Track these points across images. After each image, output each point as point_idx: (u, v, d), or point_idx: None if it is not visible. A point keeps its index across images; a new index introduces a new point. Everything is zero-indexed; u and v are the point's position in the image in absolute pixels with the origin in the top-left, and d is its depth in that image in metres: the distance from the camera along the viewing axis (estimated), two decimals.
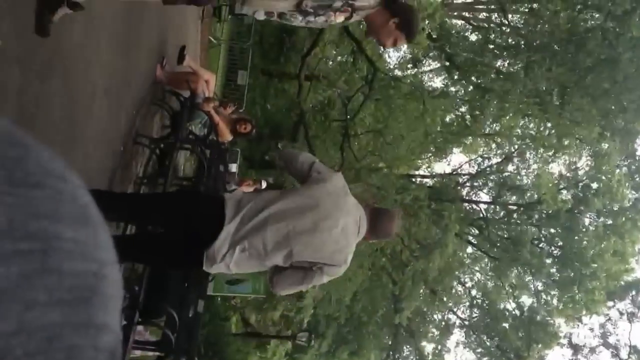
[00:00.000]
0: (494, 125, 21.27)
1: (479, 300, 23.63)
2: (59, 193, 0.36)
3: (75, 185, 0.39)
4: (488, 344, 23.27)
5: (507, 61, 17.63)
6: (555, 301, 21.18)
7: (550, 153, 20.42)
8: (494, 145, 22.92)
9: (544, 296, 21.66)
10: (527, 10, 16.77)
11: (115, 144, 5.59)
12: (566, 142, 18.64)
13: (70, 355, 0.34)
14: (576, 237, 19.53)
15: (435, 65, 20.37)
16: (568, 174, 21.15)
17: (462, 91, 18.85)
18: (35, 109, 3.13)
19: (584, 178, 20.55)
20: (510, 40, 17.40)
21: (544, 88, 15.31)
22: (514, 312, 22.35)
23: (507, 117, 19.55)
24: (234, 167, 16.45)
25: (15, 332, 0.30)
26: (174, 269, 4.52)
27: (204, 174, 7.58)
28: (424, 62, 20.53)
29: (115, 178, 5.74)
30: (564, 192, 19.78)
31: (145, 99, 7.22)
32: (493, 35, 18.57)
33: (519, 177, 22.04)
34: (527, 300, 22.42)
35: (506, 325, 22.15)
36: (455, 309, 24.64)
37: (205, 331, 14.01)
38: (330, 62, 20.16)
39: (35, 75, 3.06)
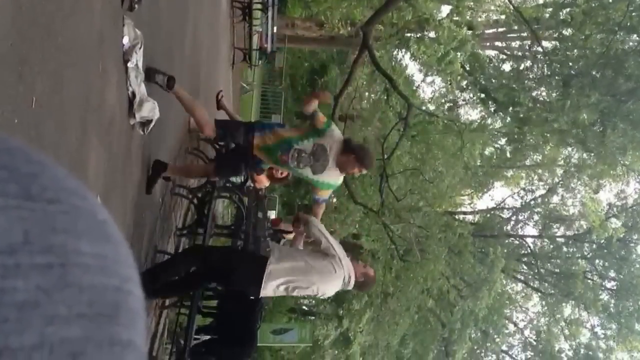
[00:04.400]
0: (536, 156, 20.74)
1: (533, 340, 22.65)
2: (76, 209, 0.35)
3: (92, 203, 0.37)
4: None
5: (544, 90, 17.19)
6: (614, 335, 20.22)
7: (595, 182, 19.79)
8: (536, 177, 22.34)
9: (601, 331, 20.69)
10: (559, 36, 16.32)
11: (154, 196, 5.40)
12: (611, 170, 18.00)
13: None
14: (631, 267, 18.73)
15: (470, 97, 19.99)
16: (617, 202, 20.43)
17: (500, 123, 18.42)
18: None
19: (634, 205, 19.84)
20: (545, 69, 16.95)
21: (584, 116, 14.74)
22: (569, 351, 21.37)
23: (548, 148, 19.02)
24: (273, 214, 16.21)
25: (37, 346, 0.30)
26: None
27: (243, 221, 7.39)
28: (458, 96, 20.20)
29: (156, 230, 5.57)
30: (614, 219, 19.04)
31: (180, 149, 7.08)
32: (528, 64, 18.17)
33: (565, 208, 21.39)
34: (583, 338, 21.47)
35: None
36: (508, 350, 23.67)
37: None
38: (364, 101, 19.98)
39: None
